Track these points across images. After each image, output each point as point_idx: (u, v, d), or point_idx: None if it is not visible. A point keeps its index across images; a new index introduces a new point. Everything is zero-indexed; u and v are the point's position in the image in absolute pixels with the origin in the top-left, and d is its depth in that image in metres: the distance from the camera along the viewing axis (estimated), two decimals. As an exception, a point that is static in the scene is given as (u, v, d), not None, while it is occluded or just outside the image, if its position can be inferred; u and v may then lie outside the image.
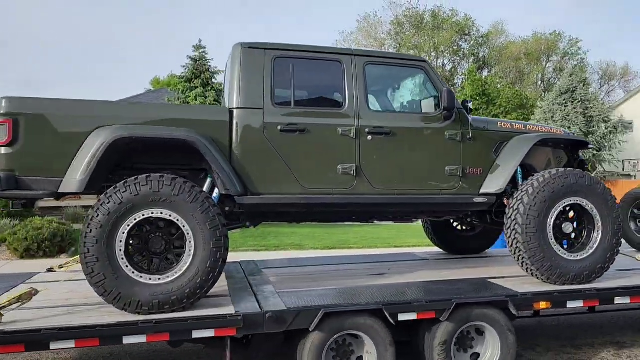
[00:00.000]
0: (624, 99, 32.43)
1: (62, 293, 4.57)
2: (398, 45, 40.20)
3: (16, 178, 3.89)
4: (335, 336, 4.06)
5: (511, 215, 4.68)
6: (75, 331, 3.55)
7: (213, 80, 20.72)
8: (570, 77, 26.44)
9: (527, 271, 4.73)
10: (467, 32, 43.59)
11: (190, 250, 3.89)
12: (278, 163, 4.34)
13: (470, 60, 42.65)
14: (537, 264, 4.58)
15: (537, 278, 4.70)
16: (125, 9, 69.90)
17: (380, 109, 4.69)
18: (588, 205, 4.73)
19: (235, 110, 4.33)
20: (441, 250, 6.86)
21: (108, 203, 3.73)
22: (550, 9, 63.63)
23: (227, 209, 4.43)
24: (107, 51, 69.69)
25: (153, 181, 3.82)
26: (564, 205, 4.67)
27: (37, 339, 3.49)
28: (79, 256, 5.43)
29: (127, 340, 3.64)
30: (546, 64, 45.24)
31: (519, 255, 4.64)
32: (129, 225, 3.79)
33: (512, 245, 4.69)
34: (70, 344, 3.56)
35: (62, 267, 5.76)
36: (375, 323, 4.13)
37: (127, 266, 3.79)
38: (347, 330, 4.09)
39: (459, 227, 6.68)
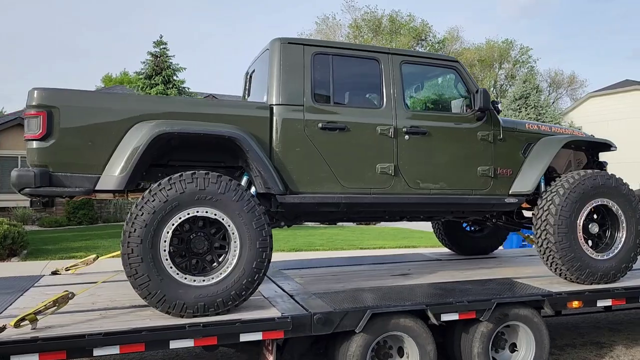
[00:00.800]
0: (572, 106, 33.54)
1: (84, 297, 4.33)
2: None
3: (50, 174, 3.67)
4: (379, 338, 4.01)
5: (541, 215, 4.73)
6: (121, 336, 3.36)
7: (174, 77, 20.32)
8: (524, 84, 27.31)
9: (555, 270, 4.78)
10: (423, 38, 44.39)
11: (235, 251, 3.76)
12: (318, 161, 4.25)
13: None
14: (568, 263, 4.64)
15: (565, 277, 4.76)
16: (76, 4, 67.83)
17: (415, 109, 4.65)
18: (614, 207, 4.84)
19: (275, 107, 4.22)
20: (448, 250, 6.90)
21: (153, 201, 3.56)
22: (494, 18, 65.67)
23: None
24: (57, 46, 67.51)
25: (199, 178, 3.67)
26: (592, 205, 4.76)
27: (80, 345, 3.29)
28: (88, 258, 5.26)
29: (174, 344, 3.48)
30: (498, 71, 46.70)
31: (550, 255, 4.69)
32: (173, 225, 3.62)
33: (542, 245, 4.74)
34: (115, 349, 3.38)
35: (68, 270, 5.48)
36: (417, 324, 4.09)
37: (171, 267, 3.62)
38: (390, 331, 4.03)
39: (469, 228, 6.73)
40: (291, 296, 4.32)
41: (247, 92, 5.17)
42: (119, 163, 3.72)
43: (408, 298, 4.26)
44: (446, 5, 65.13)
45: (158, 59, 20.32)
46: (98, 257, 5.39)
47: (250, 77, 5.11)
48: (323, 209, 4.32)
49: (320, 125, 4.24)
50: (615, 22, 70.65)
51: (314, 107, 4.27)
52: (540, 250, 4.81)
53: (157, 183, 3.62)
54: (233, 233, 3.75)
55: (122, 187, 3.70)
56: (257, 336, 3.65)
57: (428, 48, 44.13)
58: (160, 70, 20.10)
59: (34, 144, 3.68)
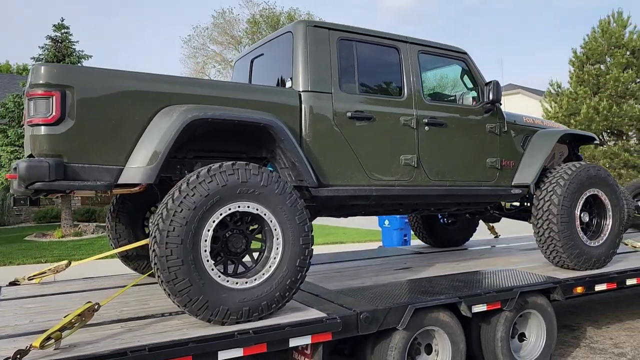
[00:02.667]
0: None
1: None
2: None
3: (65, 165, 3.10)
4: (416, 334, 3.89)
5: (542, 205, 4.89)
6: (167, 350, 2.92)
7: (80, 64, 18.76)
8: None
9: (554, 258, 4.97)
10: None
11: (277, 248, 3.44)
12: (347, 152, 4.03)
13: None
14: (568, 251, 4.84)
15: (563, 265, 4.97)
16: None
17: (433, 100, 4.59)
18: (603, 196, 5.13)
19: (303, 94, 3.93)
20: (423, 243, 6.97)
21: (192, 195, 3.14)
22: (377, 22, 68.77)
23: None
24: None
25: (240, 170, 3.30)
26: (586, 195, 5.01)
27: (123, 364, 2.82)
28: (59, 264, 4.61)
29: (223, 355, 3.09)
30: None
31: (552, 243, 4.86)
32: (214, 222, 3.23)
33: (543, 235, 4.90)
34: (161, 365, 2.94)
35: (31, 279, 4.76)
36: (450, 317, 4.03)
37: (212, 269, 3.23)
38: (426, 326, 3.93)
39: (444, 221, 6.84)
40: (316, 295, 4.07)
41: (249, 80, 4.79)
42: (146, 153, 3.24)
43: (435, 291, 4.19)
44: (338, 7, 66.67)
45: (59, 44, 18.60)
46: (70, 262, 4.72)
47: (252, 62, 4.75)
48: (354, 202, 4.11)
49: (349, 114, 4.03)
50: (485, 33, 76.61)
51: (342, 96, 4.05)
52: (540, 239, 4.97)
53: (195, 175, 3.21)
54: (275, 229, 3.42)
55: (152, 180, 3.22)
56: (307, 340, 3.37)
57: None
58: (63, 57, 18.41)
59: (43, 130, 3.09)
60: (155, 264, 3.12)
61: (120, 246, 4.73)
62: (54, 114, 3.06)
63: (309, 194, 3.85)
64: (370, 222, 12.99)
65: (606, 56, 24.37)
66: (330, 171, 3.95)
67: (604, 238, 5.14)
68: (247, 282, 3.34)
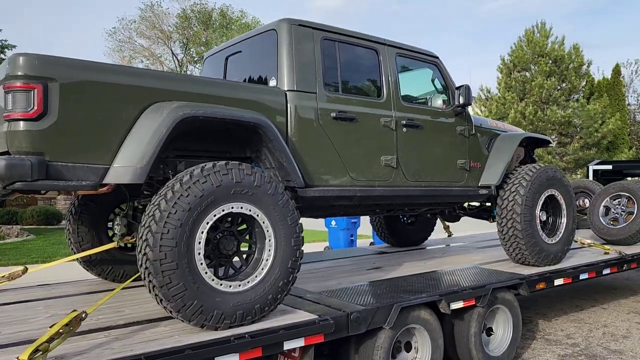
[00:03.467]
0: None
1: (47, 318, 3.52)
2: (186, 40, 39.25)
3: (47, 164, 2.87)
4: (400, 332, 3.94)
5: (507, 205, 5.11)
6: (164, 358, 2.78)
7: (3, 55, 17.55)
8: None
9: (516, 255, 5.20)
10: None
11: (270, 250, 3.36)
12: (331, 153, 4.01)
13: None
14: (530, 248, 5.09)
15: (524, 261, 5.21)
16: None
17: (408, 102, 4.66)
18: (558, 196, 5.43)
19: (289, 93, 3.87)
20: (385, 243, 7.08)
21: (187, 196, 3.01)
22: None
23: None
24: None
25: (233, 170, 3.20)
26: (545, 195, 5.28)
27: (121, 374, 2.66)
28: (15, 271, 4.28)
29: (220, 361, 2.99)
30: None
31: (515, 241, 5.09)
32: (208, 223, 3.11)
33: (507, 233, 5.12)
34: (157, 374, 2.79)
35: (-16, 287, 4.37)
36: (430, 315, 4.12)
37: (206, 273, 3.11)
38: (409, 324, 3.99)
39: (404, 221, 6.98)
40: (299, 297, 4.02)
41: (224, 77, 4.65)
42: (134, 151, 3.06)
43: (413, 290, 4.26)
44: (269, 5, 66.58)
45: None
46: (27, 269, 4.38)
47: (227, 59, 4.62)
48: (338, 202, 4.10)
49: (333, 114, 4.01)
50: (408, 37, 79.28)
51: (326, 96, 4.03)
52: (504, 237, 5.19)
53: (188, 175, 3.07)
54: (267, 230, 3.35)
55: (142, 180, 3.05)
56: (300, 342, 3.33)
57: None
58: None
59: (22, 125, 2.84)
60: (146, 268, 2.96)
61: (83, 250, 4.46)
62: (35, 108, 2.83)
63: (295, 194, 3.79)
64: (314, 223, 13.04)
65: (531, 64, 25.90)
66: (315, 171, 3.92)
67: (560, 235, 5.45)
68: (240, 285, 3.24)
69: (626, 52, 51.75)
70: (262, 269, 3.34)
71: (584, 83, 26.76)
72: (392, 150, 4.37)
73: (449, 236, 8.01)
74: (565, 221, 5.50)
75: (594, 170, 8.80)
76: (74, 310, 2.88)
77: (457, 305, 4.24)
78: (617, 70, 29.16)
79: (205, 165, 3.15)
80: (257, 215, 3.31)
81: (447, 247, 6.96)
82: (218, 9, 41.61)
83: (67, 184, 2.90)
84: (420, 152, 4.61)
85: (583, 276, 5.43)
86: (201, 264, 3.08)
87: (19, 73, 2.84)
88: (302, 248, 3.52)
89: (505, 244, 5.22)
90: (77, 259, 4.49)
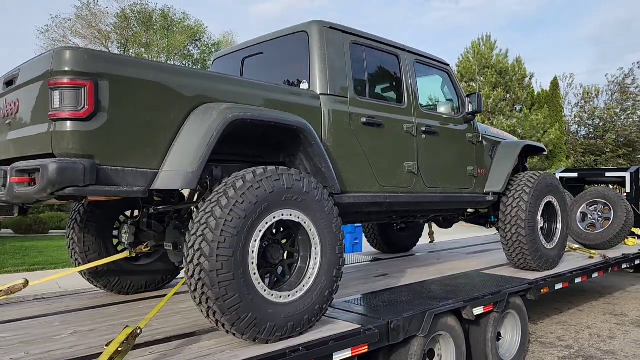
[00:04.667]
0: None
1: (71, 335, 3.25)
2: (125, 41, 38.15)
3: (97, 168, 2.65)
4: (429, 339, 3.93)
5: (510, 212, 5.23)
6: (227, 375, 2.63)
7: None
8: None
9: (518, 260, 5.33)
10: (198, 38, 44.22)
11: (316, 258, 3.26)
12: (362, 158, 3.94)
13: (199, 67, 43.74)
14: (533, 254, 5.23)
15: (526, 266, 5.35)
16: None
17: (425, 109, 4.66)
18: (555, 202, 5.62)
19: (322, 97, 3.78)
20: (375, 250, 7.07)
21: (242, 203, 2.86)
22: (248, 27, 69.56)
23: None
24: None
25: (284, 175, 3.09)
26: (544, 202, 5.45)
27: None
28: (15, 284, 3.95)
29: (276, 377, 2.86)
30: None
31: (519, 246, 5.21)
32: (260, 231, 2.97)
33: (511, 239, 5.23)
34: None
35: (-22, 302, 4.00)
36: (455, 321, 4.13)
37: (259, 283, 2.97)
38: (438, 331, 3.98)
39: (395, 228, 7.01)
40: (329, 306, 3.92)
41: None
42: (185, 154, 2.88)
43: (435, 296, 4.26)
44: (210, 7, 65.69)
45: None
46: (28, 282, 4.03)
47: (244, 61, 4.46)
48: (369, 209, 4.03)
49: (363, 120, 3.96)
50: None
51: (357, 100, 3.97)
52: (507, 243, 5.30)
53: (241, 180, 2.93)
54: (314, 238, 3.24)
55: (193, 186, 2.87)
56: (347, 353, 3.23)
57: (203, 49, 43.95)
58: None
59: (71, 125, 2.60)
60: (199, 279, 2.78)
61: (89, 261, 4.16)
62: (86, 107, 2.60)
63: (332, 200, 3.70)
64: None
65: (478, 75, 26.88)
66: (348, 177, 3.84)
67: (556, 241, 5.64)
68: (290, 296, 3.12)
69: (537, 65, 55.12)
70: (309, 278, 3.23)
71: (526, 94, 28.08)
72: (413, 157, 4.37)
73: (431, 242, 8.12)
74: (560, 227, 5.70)
75: (560, 178, 9.21)
76: (127, 326, 2.67)
77: (478, 311, 4.27)
78: (555, 83, 30.76)
79: (256, 170, 3.01)
80: (305, 223, 3.20)
81: (439, 253, 7.04)
82: (159, 10, 40.60)
83: (118, 189, 2.69)
84: (436, 159, 4.63)
85: (577, 280, 5.63)
86: (254, 274, 2.93)
87: (66, 68, 2.61)
88: (344, 256, 3.44)
89: (508, 249, 5.33)
90: (82, 270, 4.19)
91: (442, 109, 4.90)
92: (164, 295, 4.36)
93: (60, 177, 2.48)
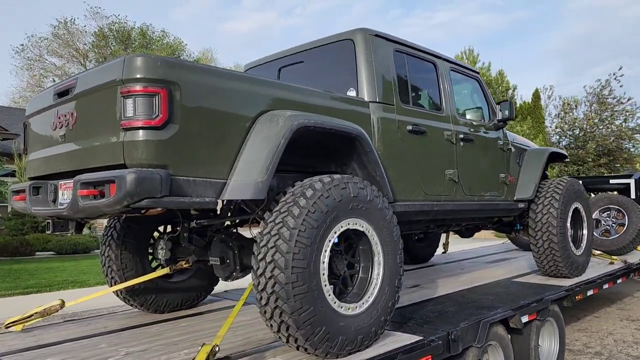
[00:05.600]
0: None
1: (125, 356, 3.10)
2: (104, 58, 37.86)
3: (171, 178, 2.54)
4: (482, 350, 3.85)
5: (541, 219, 5.21)
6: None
7: None
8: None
9: (550, 267, 5.30)
10: (177, 55, 44.17)
11: (379, 268, 3.18)
12: (409, 166, 3.89)
13: None
14: (565, 260, 5.22)
15: (560, 273, 5.32)
16: None
17: (461, 116, 4.65)
18: (581, 208, 5.64)
19: (371, 105, 3.73)
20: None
21: (314, 212, 2.77)
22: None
23: None
24: None
25: (350, 184, 3.01)
26: (573, 208, 5.46)
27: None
28: (51, 305, 3.79)
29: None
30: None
31: (551, 253, 5.19)
32: (330, 241, 2.88)
33: (543, 246, 5.22)
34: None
35: (9, 327, 3.79)
36: (503, 330, 4.07)
37: (329, 295, 2.87)
38: (490, 341, 3.91)
39: (415, 237, 6.95)
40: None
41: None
42: (253, 164, 2.79)
43: (481, 306, 4.20)
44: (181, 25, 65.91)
45: None
46: (64, 302, 3.86)
47: (280, 70, 4.39)
48: (417, 217, 3.97)
49: (409, 127, 3.91)
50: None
51: (402, 108, 3.92)
52: (539, 250, 5.27)
53: (310, 188, 2.84)
54: (377, 247, 3.16)
55: (263, 196, 2.77)
56: (413, 366, 3.15)
57: None
58: None
59: (144, 134, 2.49)
60: (272, 292, 2.67)
61: (127, 279, 4.00)
62: (160, 115, 2.49)
63: None
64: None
65: (463, 88, 27.26)
66: (397, 186, 3.78)
67: (583, 247, 5.64)
68: (357, 307, 3.03)
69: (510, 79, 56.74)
70: (374, 288, 3.14)
71: (510, 106, 28.53)
72: (453, 165, 4.33)
73: (444, 252, 8.07)
74: (586, 232, 5.71)
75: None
76: (205, 344, 2.54)
77: (524, 319, 4.22)
78: (537, 95, 31.33)
79: (323, 178, 2.93)
80: (368, 232, 3.12)
81: (459, 264, 6.99)
82: (138, 28, 40.44)
83: (192, 200, 2.57)
84: (473, 166, 4.60)
85: (605, 286, 5.64)
86: (325, 285, 2.84)
87: (138, 75, 2.51)
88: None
89: (539, 256, 5.31)
90: (118, 290, 4.04)
91: (475, 116, 4.89)
92: (199, 314, 4.25)
93: (139, 188, 2.37)
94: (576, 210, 5.60)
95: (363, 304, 3.06)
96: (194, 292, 4.40)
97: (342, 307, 2.93)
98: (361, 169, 3.49)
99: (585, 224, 5.71)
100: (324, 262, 2.83)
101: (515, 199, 5.25)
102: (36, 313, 3.77)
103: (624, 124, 26.69)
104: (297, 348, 2.83)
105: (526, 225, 5.76)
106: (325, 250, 2.84)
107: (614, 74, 26.59)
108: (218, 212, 3.85)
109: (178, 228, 4.06)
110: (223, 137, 2.76)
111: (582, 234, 5.71)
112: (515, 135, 5.68)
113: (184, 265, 4.00)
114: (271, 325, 2.79)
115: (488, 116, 5.03)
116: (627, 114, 26.56)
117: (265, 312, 2.76)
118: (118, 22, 38.78)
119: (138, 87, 2.49)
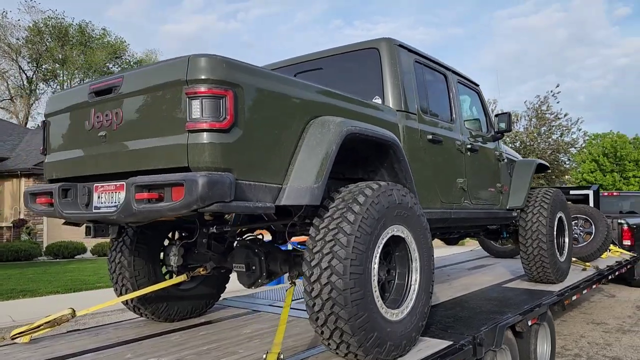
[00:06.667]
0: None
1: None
2: (38, 55, 36.35)
3: (236, 182, 2.48)
4: (495, 353, 3.98)
5: (531, 227, 5.45)
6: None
7: None
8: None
9: (539, 273, 5.53)
10: (119, 56, 43.04)
11: (416, 274, 3.23)
12: (429, 174, 3.98)
13: None
14: (553, 267, 5.47)
15: (547, 279, 5.55)
16: None
17: (466, 127, 4.78)
18: (564, 217, 5.93)
19: (397, 113, 3.79)
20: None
21: (367, 218, 2.79)
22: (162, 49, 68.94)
23: None
24: None
25: (394, 190, 3.05)
26: (558, 217, 5.73)
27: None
28: (61, 314, 3.61)
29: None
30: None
31: (541, 260, 5.43)
32: (379, 247, 2.91)
33: (532, 253, 5.44)
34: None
35: (15, 338, 3.56)
36: (511, 334, 4.22)
37: (379, 301, 2.89)
38: (502, 344, 4.05)
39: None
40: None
41: None
42: (309, 169, 2.77)
43: (487, 310, 4.34)
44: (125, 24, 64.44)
45: None
46: (74, 311, 3.66)
47: (296, 76, 4.37)
48: (436, 224, 4.05)
49: (429, 137, 4.00)
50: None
51: (422, 117, 4.01)
52: (528, 257, 5.49)
53: (361, 195, 2.85)
54: (414, 253, 3.21)
55: (318, 202, 2.76)
56: (451, 369, 3.21)
57: (124, 67, 42.92)
58: None
59: (210, 137, 2.42)
60: (329, 298, 2.66)
61: (140, 287, 3.85)
62: (227, 118, 2.43)
63: None
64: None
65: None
66: (419, 193, 3.85)
67: (566, 254, 5.94)
68: (400, 313, 3.06)
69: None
70: (412, 294, 3.18)
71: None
72: (463, 174, 4.46)
73: None
74: (567, 240, 6.01)
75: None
76: (268, 352, 2.49)
77: (529, 323, 4.39)
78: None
79: (371, 185, 2.96)
80: (408, 238, 3.17)
81: (441, 270, 7.15)
82: (76, 24, 38.98)
83: (255, 205, 2.52)
84: (478, 176, 4.76)
85: (584, 291, 5.95)
86: (375, 291, 2.85)
87: (208, 77, 2.44)
88: (434, 272, 3.44)
89: (528, 262, 5.53)
90: (128, 298, 3.87)
91: (475, 127, 5.05)
92: (209, 322, 4.14)
93: (211, 192, 2.30)
94: (560, 219, 5.89)
95: (404, 309, 3.10)
96: (203, 299, 4.29)
97: (388, 313, 2.95)
98: (391, 176, 3.53)
99: (567, 232, 6.01)
100: (374, 268, 2.85)
101: (508, 207, 5.46)
102: (46, 323, 3.56)
103: (560, 138, 28.21)
104: (346, 355, 2.82)
105: (512, 233, 6.01)
106: (375, 257, 2.86)
107: (551, 91, 28.08)
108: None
109: (184, 234, 3.97)
110: (279, 142, 2.73)
111: (565, 242, 6.00)
112: (505, 147, 5.92)
113: (201, 272, 3.90)
114: (322, 332, 2.77)
115: (486, 127, 5.22)
116: (564, 128, 28.07)
117: (317, 318, 2.74)
118: (55, 17, 37.07)
119: (204, 88, 2.42)
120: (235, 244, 4.01)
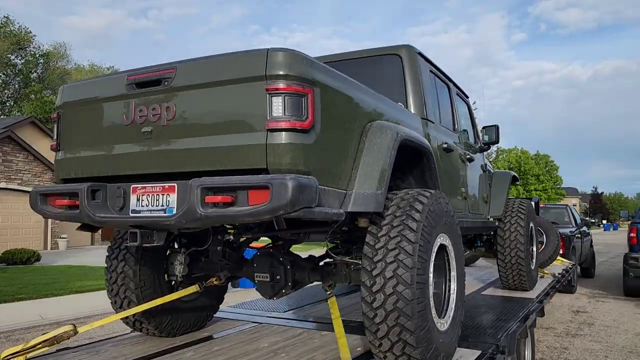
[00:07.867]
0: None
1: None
2: None
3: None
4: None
5: (509, 236, 5.65)
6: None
7: None
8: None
9: (515, 281, 5.73)
10: (22, 47, 40.70)
11: (454, 283, 3.21)
12: (443, 183, 3.98)
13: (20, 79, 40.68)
14: (528, 274, 5.70)
15: (522, 286, 5.77)
16: None
17: (464, 138, 4.85)
18: (533, 227, 6.21)
19: (421, 121, 3.77)
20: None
21: (426, 227, 2.73)
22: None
23: None
24: None
25: (441, 198, 3.02)
26: (530, 226, 5.99)
27: None
28: (62, 330, 3.24)
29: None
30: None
31: (518, 268, 5.63)
32: (433, 256, 2.85)
33: (510, 262, 5.64)
34: None
35: (9, 359, 3.11)
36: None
37: (433, 310, 2.83)
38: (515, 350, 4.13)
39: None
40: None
41: None
42: (371, 175, 2.65)
43: (495, 318, 4.42)
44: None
45: None
46: (76, 327, 3.27)
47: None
48: None
49: (444, 145, 4.02)
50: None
51: (438, 126, 4.02)
52: (506, 265, 5.69)
53: (418, 203, 2.79)
54: (452, 262, 3.20)
55: (381, 209, 2.66)
56: (483, 378, 3.22)
57: (29, 59, 40.59)
58: None
59: (289, 137, 2.24)
60: (394, 308, 2.56)
61: (146, 297, 3.52)
62: (309, 117, 2.28)
63: None
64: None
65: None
66: None
67: (534, 262, 6.21)
68: (445, 323, 3.02)
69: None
70: (452, 303, 3.16)
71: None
72: (464, 183, 4.54)
73: None
74: (535, 249, 6.30)
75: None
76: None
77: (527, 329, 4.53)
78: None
79: (422, 192, 2.90)
80: (449, 247, 3.14)
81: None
82: (24, 28, 36.51)
83: (332, 211, 2.37)
84: (473, 185, 4.86)
85: (551, 298, 6.25)
86: (431, 301, 2.79)
87: (282, 72, 2.27)
88: (464, 280, 3.44)
89: (506, 271, 5.72)
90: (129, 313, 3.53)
91: (466, 138, 5.17)
92: (211, 337, 3.87)
93: (302, 197, 2.13)
94: (531, 228, 6.16)
95: (447, 319, 3.06)
96: (204, 311, 4.01)
97: (439, 324, 2.90)
98: (419, 184, 3.50)
99: (534, 241, 6.30)
100: (430, 277, 2.79)
101: (488, 217, 5.63)
102: (44, 341, 3.13)
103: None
104: None
105: (485, 242, 6.20)
106: (431, 264, 2.81)
107: (474, 103, 29.65)
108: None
109: (186, 241, 3.70)
110: (346, 145, 2.61)
111: (534, 250, 6.29)
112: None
113: (214, 283, 3.64)
114: (380, 344, 2.66)
115: (474, 139, 5.36)
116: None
117: (377, 330, 2.63)
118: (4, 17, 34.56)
119: (285, 85, 2.25)
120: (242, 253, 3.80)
